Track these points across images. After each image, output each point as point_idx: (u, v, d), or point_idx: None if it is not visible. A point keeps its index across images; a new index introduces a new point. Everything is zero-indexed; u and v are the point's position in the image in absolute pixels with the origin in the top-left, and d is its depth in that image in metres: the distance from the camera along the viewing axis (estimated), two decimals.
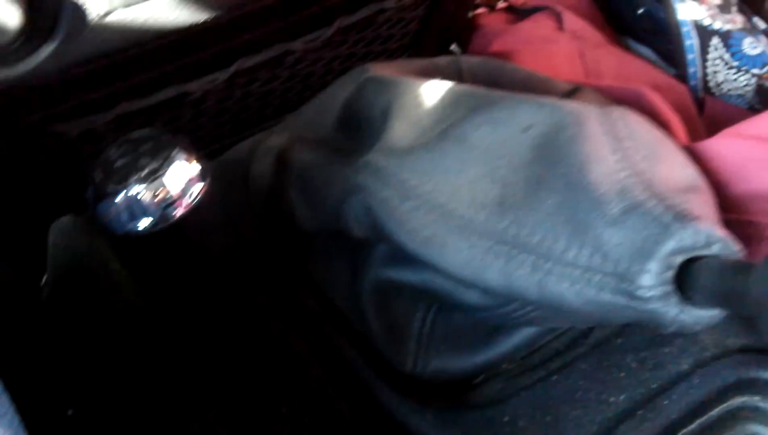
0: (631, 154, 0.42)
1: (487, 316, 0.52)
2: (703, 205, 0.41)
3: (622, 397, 0.52)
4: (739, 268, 0.33)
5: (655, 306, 0.37)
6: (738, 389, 0.52)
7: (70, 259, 0.62)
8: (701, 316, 0.37)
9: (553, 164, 0.42)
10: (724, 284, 0.33)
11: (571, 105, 0.45)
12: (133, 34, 0.43)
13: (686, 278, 0.37)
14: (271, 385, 0.55)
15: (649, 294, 0.37)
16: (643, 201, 0.39)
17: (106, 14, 0.40)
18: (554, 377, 0.53)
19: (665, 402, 0.51)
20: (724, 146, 0.47)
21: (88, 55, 0.43)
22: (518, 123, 0.45)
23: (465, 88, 0.49)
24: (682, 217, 0.38)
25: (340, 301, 0.58)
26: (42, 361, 0.57)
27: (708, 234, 0.37)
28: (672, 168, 0.43)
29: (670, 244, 0.37)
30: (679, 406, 0.51)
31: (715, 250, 0.37)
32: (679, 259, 0.37)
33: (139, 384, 0.54)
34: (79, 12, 0.39)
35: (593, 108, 0.45)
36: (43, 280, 0.63)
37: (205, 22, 0.45)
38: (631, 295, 0.38)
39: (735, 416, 0.52)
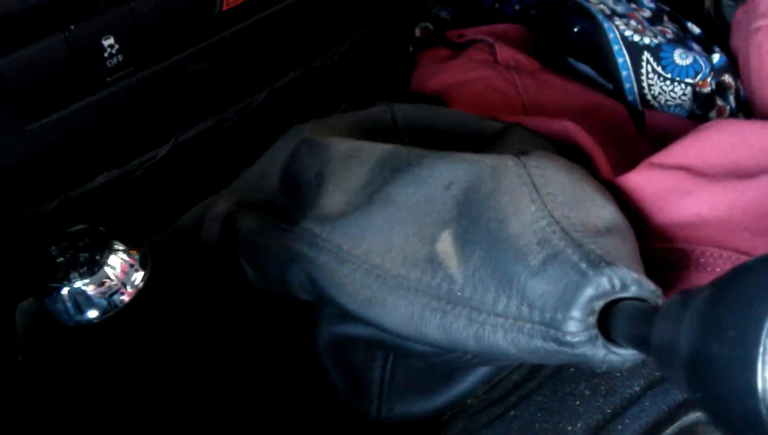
0: (549, 201, 0.43)
1: (439, 361, 0.53)
2: (621, 245, 0.42)
3: (579, 425, 0.53)
4: (644, 313, 0.34)
5: (584, 350, 0.39)
6: (689, 406, 0.53)
7: (37, 338, 0.63)
8: (627, 355, 0.39)
9: (476, 219, 0.44)
10: (634, 328, 0.35)
11: (489, 158, 0.46)
12: (53, 141, 0.44)
13: (608, 321, 0.38)
14: None
15: (575, 339, 0.39)
16: (561, 249, 0.40)
17: (26, 124, 0.42)
18: (512, 412, 0.55)
19: (619, 427, 0.52)
20: (643, 178, 0.49)
21: (14, 161, 0.45)
22: (440, 180, 0.46)
23: (389, 148, 0.51)
24: (599, 263, 0.39)
25: (300, 355, 0.59)
26: None
27: (623, 277, 0.38)
28: (590, 210, 0.44)
29: (589, 291, 0.38)
30: (632, 430, 0.52)
31: (632, 291, 0.39)
32: (599, 304, 0.39)
33: None
34: None
35: (510, 158, 0.46)
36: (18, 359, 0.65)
37: (132, 114, 0.47)
38: (560, 341, 0.39)
39: (690, 432, 0.53)
